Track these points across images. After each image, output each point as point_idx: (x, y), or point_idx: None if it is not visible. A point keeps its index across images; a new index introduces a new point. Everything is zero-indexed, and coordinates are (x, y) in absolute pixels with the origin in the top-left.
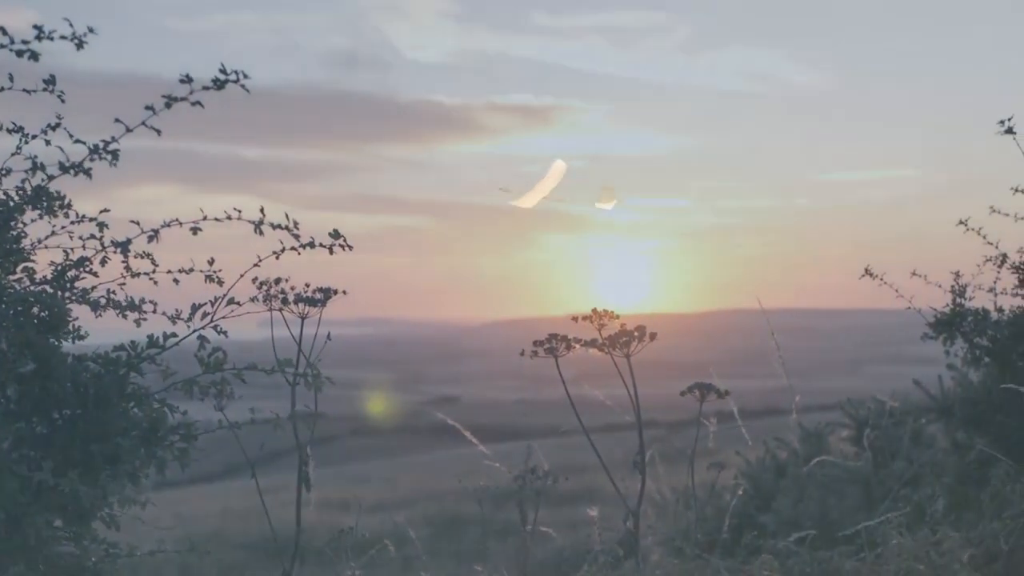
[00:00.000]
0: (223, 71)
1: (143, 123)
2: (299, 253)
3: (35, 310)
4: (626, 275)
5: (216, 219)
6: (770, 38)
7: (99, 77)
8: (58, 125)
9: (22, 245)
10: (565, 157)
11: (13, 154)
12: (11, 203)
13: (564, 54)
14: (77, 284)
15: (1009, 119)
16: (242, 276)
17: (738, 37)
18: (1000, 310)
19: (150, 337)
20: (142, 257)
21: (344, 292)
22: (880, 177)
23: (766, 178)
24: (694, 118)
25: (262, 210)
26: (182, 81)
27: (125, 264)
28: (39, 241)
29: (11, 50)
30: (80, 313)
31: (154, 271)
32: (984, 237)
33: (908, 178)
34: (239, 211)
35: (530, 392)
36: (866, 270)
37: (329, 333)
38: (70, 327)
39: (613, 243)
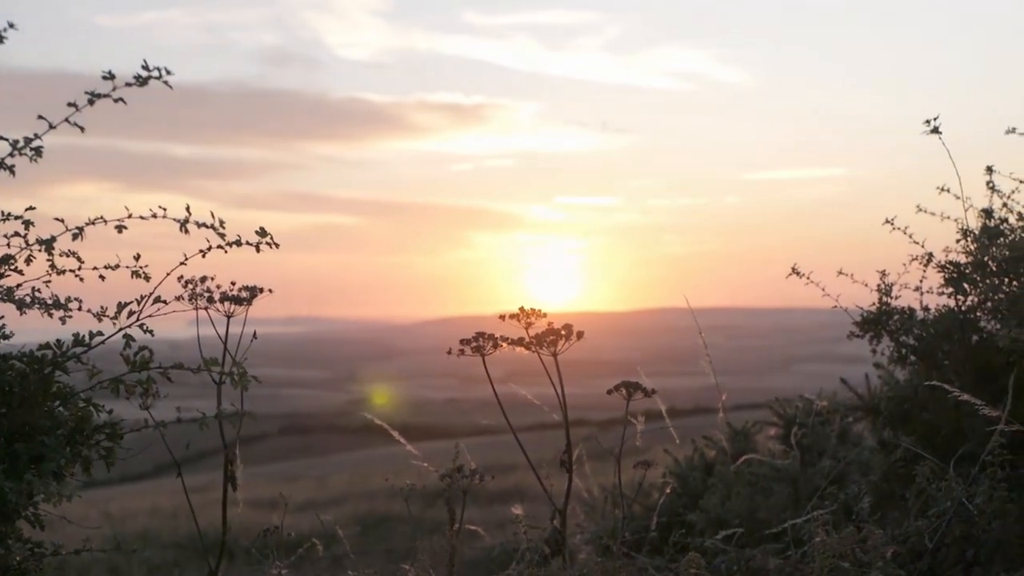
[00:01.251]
0: (145, 68)
1: (66, 120)
2: (226, 251)
3: None
4: (556, 273)
5: (141, 217)
6: (699, 38)
7: (28, 73)
8: None
9: None
10: (495, 156)
11: None
12: None
13: (494, 53)
14: (1, 282)
15: (935, 118)
16: (168, 274)
17: (667, 36)
18: (926, 309)
19: (76, 335)
20: (67, 255)
21: (271, 291)
22: (808, 176)
23: (695, 177)
24: (623, 117)
25: (188, 208)
26: (104, 78)
27: (50, 262)
28: None
29: None
30: (4, 311)
31: (80, 269)
32: (910, 236)
33: (836, 177)
34: (164, 209)
35: (460, 391)
36: (792, 269)
37: (255, 332)
38: None
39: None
